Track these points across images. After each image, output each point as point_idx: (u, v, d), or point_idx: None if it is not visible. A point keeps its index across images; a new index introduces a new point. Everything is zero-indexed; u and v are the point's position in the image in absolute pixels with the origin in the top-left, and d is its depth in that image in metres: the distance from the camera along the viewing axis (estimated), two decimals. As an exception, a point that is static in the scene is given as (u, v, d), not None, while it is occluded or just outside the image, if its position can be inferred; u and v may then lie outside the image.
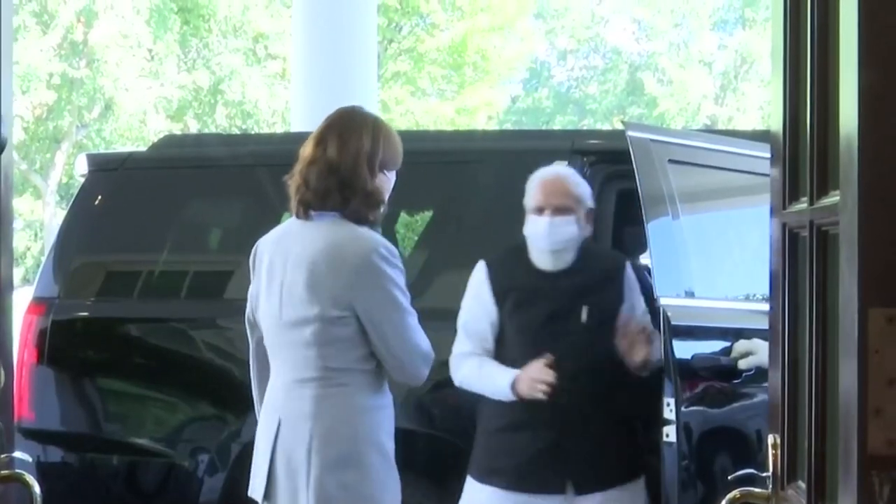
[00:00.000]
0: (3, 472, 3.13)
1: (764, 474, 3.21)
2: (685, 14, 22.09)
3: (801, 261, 3.10)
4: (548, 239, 4.92)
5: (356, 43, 9.47)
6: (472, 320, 5.01)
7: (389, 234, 6.72)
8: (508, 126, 21.17)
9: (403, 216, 6.97)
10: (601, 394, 4.85)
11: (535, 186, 5.00)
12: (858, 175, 2.52)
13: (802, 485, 2.99)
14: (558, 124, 22.26)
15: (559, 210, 4.89)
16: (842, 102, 2.67)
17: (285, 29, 19.50)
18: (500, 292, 4.99)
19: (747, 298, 5.68)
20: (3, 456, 3.11)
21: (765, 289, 5.47)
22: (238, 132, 20.68)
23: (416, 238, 6.71)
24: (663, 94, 21.99)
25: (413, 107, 19.70)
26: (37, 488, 3.30)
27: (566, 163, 5.71)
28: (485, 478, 4.87)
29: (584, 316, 4.86)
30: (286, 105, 19.34)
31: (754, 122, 21.75)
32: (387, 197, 4.67)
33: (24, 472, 3.28)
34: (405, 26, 19.62)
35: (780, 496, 3.13)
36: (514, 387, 4.87)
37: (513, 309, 4.97)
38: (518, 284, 5.00)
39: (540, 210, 4.93)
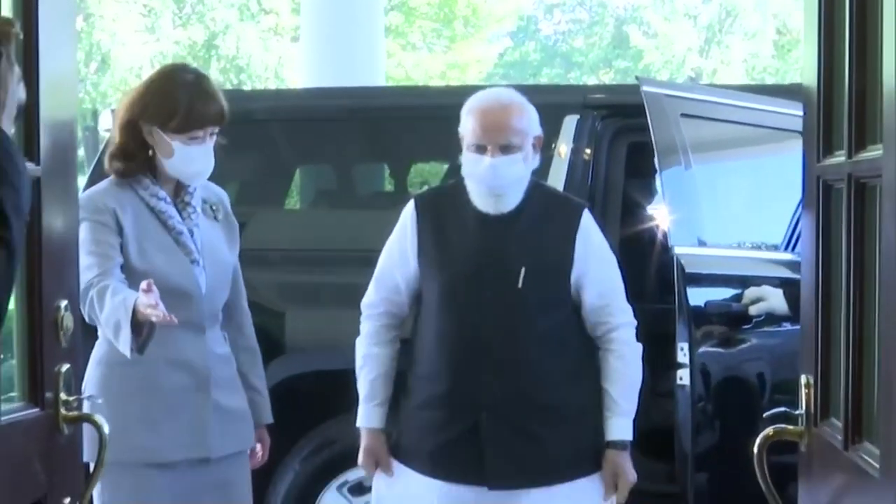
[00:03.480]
0: (73, 413, 3.18)
1: (796, 412, 3.25)
2: None
3: (835, 212, 3.14)
4: (491, 182, 4.21)
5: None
6: (387, 265, 4.36)
7: (404, 187, 6.88)
8: (497, 79, 21.24)
9: (418, 167, 7.15)
10: (534, 371, 4.22)
11: (474, 117, 4.22)
12: None
13: (836, 422, 3.05)
14: (545, 77, 22.34)
15: (504, 149, 4.15)
16: (885, 54, 2.69)
17: None
18: (427, 238, 4.31)
19: (757, 247, 5.82)
20: (73, 398, 3.17)
21: (773, 237, 5.65)
22: (231, 87, 20.86)
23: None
24: (649, 46, 22.09)
25: (404, 60, 19.75)
26: (106, 428, 3.36)
27: (577, 116, 5.82)
28: (401, 458, 4.31)
29: (520, 279, 4.18)
30: (279, 60, 19.44)
31: (738, 74, 21.85)
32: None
33: (93, 413, 3.36)
34: (397, -20, 19.68)
35: (814, 433, 3.19)
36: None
37: (437, 257, 4.29)
38: (447, 228, 4.32)
39: (480, 148, 4.17)
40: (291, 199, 6.94)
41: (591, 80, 21.88)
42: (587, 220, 4.25)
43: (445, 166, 6.77)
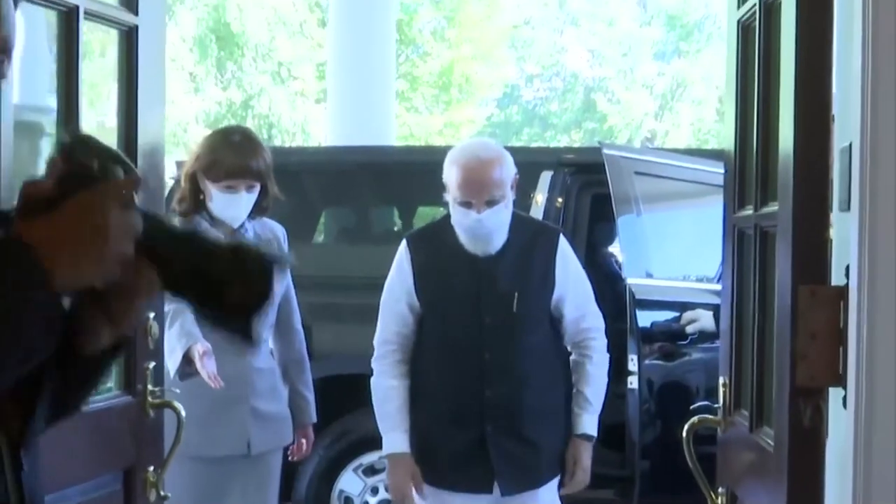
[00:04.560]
0: (157, 400, 3.27)
1: (716, 405, 3.36)
2: (631, 46, 22.20)
3: (746, 252, 3.22)
4: (479, 233, 3.99)
5: (378, 71, 9.54)
6: (391, 300, 4.11)
7: (411, 226, 6.92)
8: (486, 136, 21.41)
9: (421, 210, 7.24)
10: (532, 386, 4.06)
11: (458, 173, 3.95)
12: (793, 191, 2.72)
13: (745, 412, 3.15)
14: (526, 135, 22.35)
15: (488, 203, 3.93)
16: (781, 136, 2.86)
17: (305, 54, 19.71)
18: (422, 270, 4.08)
19: (693, 279, 6.01)
20: (157, 389, 3.27)
21: (706, 271, 5.87)
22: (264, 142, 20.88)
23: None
24: (612, 111, 22.15)
25: (409, 121, 19.89)
26: (183, 413, 3.44)
27: (551, 172, 6.02)
28: (424, 477, 4.08)
29: (514, 305, 4.00)
30: (305, 118, 19.53)
31: (686, 135, 21.97)
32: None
33: (173, 400, 3.41)
34: (402, 54, 19.76)
35: (729, 421, 3.27)
36: None
37: (436, 291, 4.09)
38: (442, 263, 4.10)
39: (466, 203, 3.94)
40: (318, 235, 7.01)
41: (563, 139, 21.95)
42: (563, 244, 4.11)
43: (444, 210, 7.04)
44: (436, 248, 4.07)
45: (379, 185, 6.64)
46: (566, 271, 4.05)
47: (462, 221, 3.96)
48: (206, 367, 3.99)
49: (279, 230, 4.40)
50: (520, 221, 4.07)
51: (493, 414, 3.95)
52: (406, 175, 6.58)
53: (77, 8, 2.94)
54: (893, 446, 2.47)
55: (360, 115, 8.89)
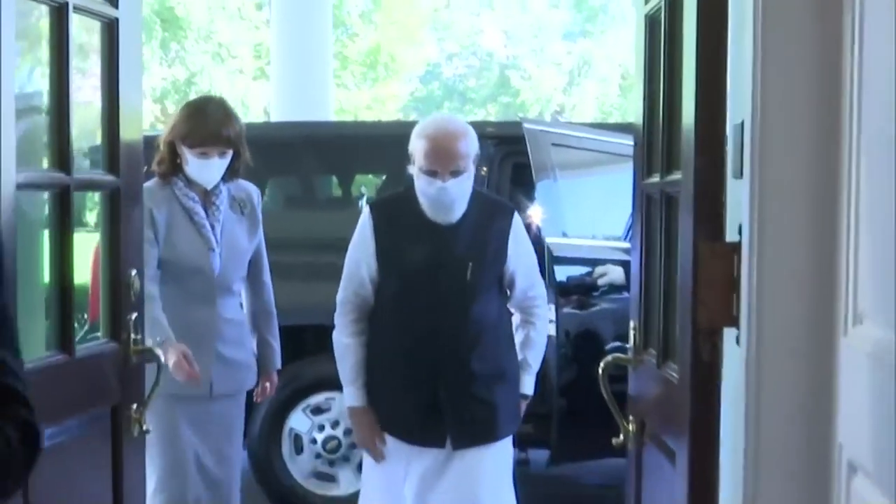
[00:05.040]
0: (139, 347, 3.29)
1: (627, 346, 3.44)
2: (541, 27, 22.39)
3: (654, 215, 3.27)
4: (443, 200, 3.93)
5: (317, 52, 9.54)
6: (353, 265, 4.02)
7: (349, 194, 7.05)
8: (409, 111, 21.44)
9: (358, 179, 7.28)
10: (481, 349, 3.98)
11: (426, 143, 3.90)
12: (694, 161, 2.78)
13: (653, 351, 3.23)
14: (446, 109, 22.41)
15: (453, 173, 3.88)
16: (683, 113, 2.90)
17: (243, 36, 19.62)
18: (383, 238, 4.00)
19: (602, 238, 6.10)
20: (139, 336, 3.29)
21: (614, 231, 6.00)
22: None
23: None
24: (524, 87, 22.33)
25: (339, 96, 19.86)
26: (163, 359, 3.49)
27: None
28: (384, 427, 4.01)
29: (468, 274, 3.93)
30: (244, 94, 19.46)
31: (592, 109, 22.17)
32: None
33: (153, 347, 3.46)
34: (333, 35, 19.77)
35: (639, 359, 3.36)
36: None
37: (394, 255, 4.00)
38: (403, 231, 4.02)
39: (432, 172, 3.88)
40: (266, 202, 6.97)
41: (481, 113, 22.14)
42: (517, 221, 4.06)
43: (379, 178, 7.01)
44: (397, 217, 3.99)
45: (319, 157, 6.61)
46: (518, 247, 4.01)
47: (427, 190, 3.88)
48: (179, 375, 3.95)
49: (253, 190, 4.35)
50: (477, 196, 4.00)
51: (444, 375, 3.90)
52: (344, 147, 6.61)
53: (67, 4, 2.95)
54: (778, 377, 2.56)
55: (300, 92, 8.86)
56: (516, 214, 4.05)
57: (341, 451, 6.02)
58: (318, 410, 5.93)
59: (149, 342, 3.50)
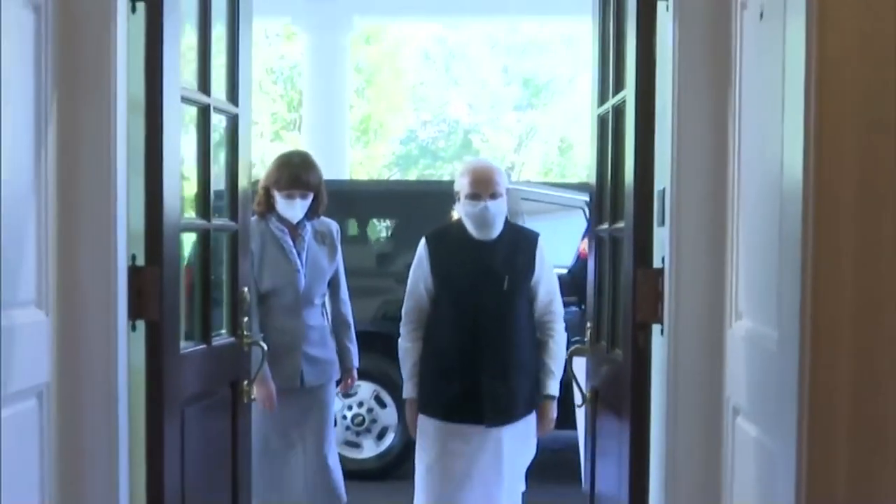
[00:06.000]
0: (248, 340, 3.49)
1: (585, 339, 3.55)
2: (497, 100, 22.57)
3: (604, 250, 3.40)
4: (486, 216, 3.84)
5: (337, 124, 9.98)
6: (413, 284, 3.95)
7: (365, 235, 7.08)
8: (395, 169, 21.62)
9: (372, 223, 7.40)
10: (514, 347, 3.88)
11: (470, 176, 3.87)
12: (633, 214, 2.91)
13: (604, 342, 3.36)
14: (421, 165, 22.56)
15: (492, 196, 3.84)
16: (625, 183, 3.01)
17: (262, 106, 19.54)
18: (437, 261, 3.91)
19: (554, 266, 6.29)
20: (248, 334, 3.48)
21: (564, 261, 6.07)
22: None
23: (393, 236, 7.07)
24: (483, 147, 22.30)
25: (337, 156, 19.89)
26: (265, 348, 3.61)
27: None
28: (426, 411, 3.92)
29: (506, 284, 3.85)
30: (262, 154, 19.38)
31: (537, 166, 22.35)
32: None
33: (259, 340, 3.63)
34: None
35: (594, 347, 3.47)
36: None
37: (448, 273, 3.90)
38: (454, 253, 3.91)
39: (476, 196, 3.82)
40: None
41: (448, 168, 22.25)
42: (541, 245, 3.96)
43: (387, 221, 7.18)
44: (447, 242, 3.91)
45: (340, 205, 6.91)
46: (542, 264, 3.93)
47: (472, 211, 3.83)
48: (263, 405, 3.88)
49: (333, 226, 4.25)
50: (509, 224, 3.95)
51: (486, 366, 3.82)
52: (360, 198, 6.83)
53: (209, 105, 3.22)
54: (688, 356, 2.77)
55: (325, 155, 8.85)
56: (540, 239, 3.96)
57: (365, 424, 6.27)
58: (346, 394, 5.90)
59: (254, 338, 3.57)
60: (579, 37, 17.67)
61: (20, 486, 2.46)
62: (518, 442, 3.89)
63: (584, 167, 19.19)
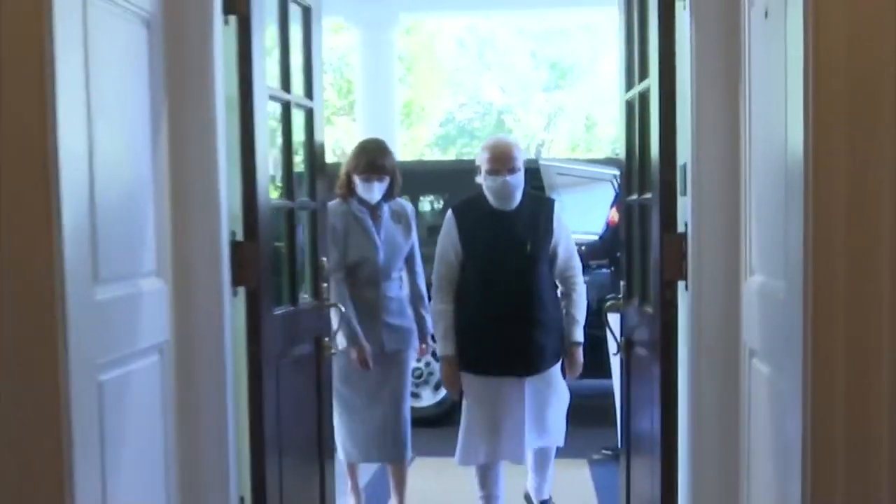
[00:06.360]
0: (329, 302, 3.58)
1: (619, 296, 3.55)
2: (527, 83, 22.38)
3: (635, 219, 3.39)
4: (505, 190, 3.80)
5: (386, 108, 9.82)
6: (443, 251, 3.90)
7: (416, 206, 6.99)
8: (435, 148, 21.42)
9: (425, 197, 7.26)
10: (539, 304, 3.85)
11: (490, 152, 3.84)
12: (658, 185, 2.92)
13: (636, 298, 3.36)
14: (459, 145, 22.50)
15: (510, 170, 3.80)
16: (651, 158, 3.03)
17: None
18: (464, 230, 3.87)
19: (583, 232, 6.04)
20: (328, 297, 3.56)
21: (595, 226, 6.14)
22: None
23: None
24: (516, 127, 22.11)
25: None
26: (343, 309, 3.74)
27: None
28: (473, 369, 3.93)
29: (528, 248, 3.82)
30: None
31: (565, 143, 22.22)
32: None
33: (336, 304, 3.75)
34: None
35: (628, 302, 3.46)
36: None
37: (474, 241, 3.85)
38: (478, 223, 3.87)
39: (496, 171, 3.79)
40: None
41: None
42: (557, 209, 3.94)
43: (435, 196, 7.17)
44: (472, 211, 3.88)
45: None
46: (560, 226, 3.93)
47: (492, 185, 3.80)
48: (361, 365, 3.84)
49: (408, 207, 4.24)
50: (527, 193, 3.91)
51: (513, 324, 3.82)
52: (412, 177, 6.78)
53: (290, 101, 3.28)
54: (709, 307, 2.71)
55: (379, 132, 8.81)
56: (556, 203, 3.97)
57: (423, 377, 6.39)
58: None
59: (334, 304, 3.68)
60: (600, 24, 17.50)
61: (148, 424, 2.62)
62: (550, 389, 3.91)
63: (608, 143, 19.09)
